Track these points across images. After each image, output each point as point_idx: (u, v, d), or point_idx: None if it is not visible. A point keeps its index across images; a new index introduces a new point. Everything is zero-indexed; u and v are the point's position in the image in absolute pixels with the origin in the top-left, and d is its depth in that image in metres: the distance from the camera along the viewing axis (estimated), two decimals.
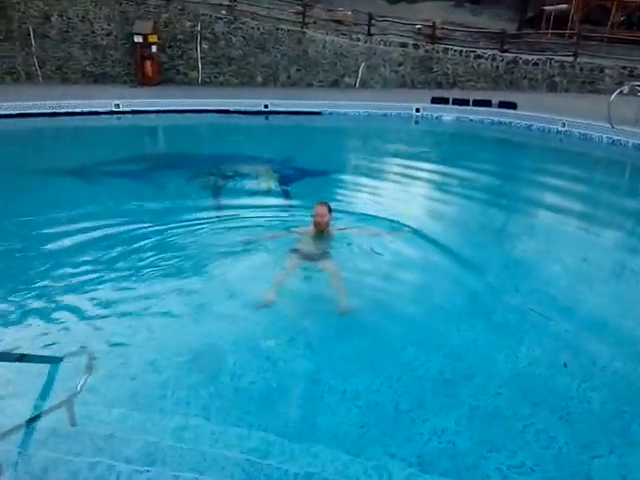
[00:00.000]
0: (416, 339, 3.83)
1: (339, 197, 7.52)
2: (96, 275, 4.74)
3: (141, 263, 4.94)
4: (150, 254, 5.13)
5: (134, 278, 4.71)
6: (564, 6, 28.78)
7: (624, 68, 18.26)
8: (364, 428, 3.00)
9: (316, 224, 5.19)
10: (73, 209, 6.36)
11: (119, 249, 5.22)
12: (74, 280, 4.64)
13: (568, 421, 3.09)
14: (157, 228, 5.76)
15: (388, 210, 6.51)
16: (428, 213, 6.75)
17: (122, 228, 5.79)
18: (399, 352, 3.66)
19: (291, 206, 6.88)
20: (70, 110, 12.89)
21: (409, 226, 5.89)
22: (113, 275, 4.74)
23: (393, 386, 3.30)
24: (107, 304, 4.27)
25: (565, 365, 3.53)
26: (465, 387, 3.32)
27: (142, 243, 5.36)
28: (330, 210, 5.23)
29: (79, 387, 3.25)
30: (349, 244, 5.31)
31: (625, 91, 10.79)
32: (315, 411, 3.14)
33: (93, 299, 4.35)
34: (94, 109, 13.13)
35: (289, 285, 4.57)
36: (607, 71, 18.35)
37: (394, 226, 5.82)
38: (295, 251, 5.07)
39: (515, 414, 3.13)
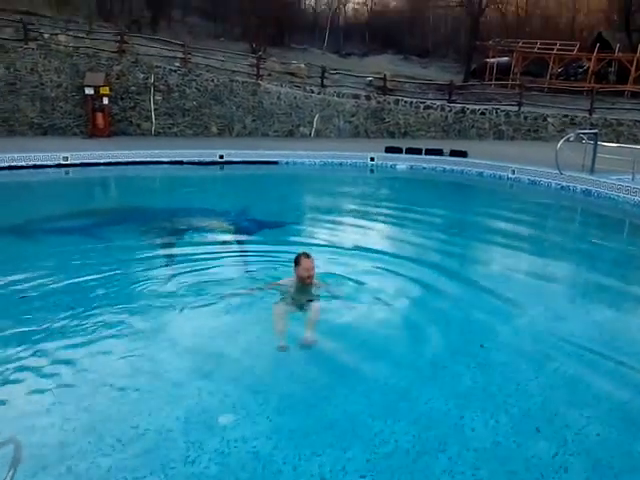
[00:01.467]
0: (384, 407, 3.57)
1: (297, 248, 7.32)
2: (32, 344, 4.30)
3: (81, 329, 4.53)
4: (93, 318, 4.74)
5: (74, 346, 4.29)
6: (505, 59, 30.53)
7: (565, 116, 19.26)
8: None
9: (302, 279, 4.84)
10: (12, 270, 5.90)
11: (59, 315, 4.79)
12: (7, 350, 4.18)
13: None
14: (103, 290, 5.38)
15: (345, 258, 6.38)
16: (387, 264, 6.61)
17: (64, 289, 5.39)
18: (367, 423, 3.38)
19: (247, 259, 6.63)
20: (14, 164, 12.37)
21: (371, 274, 5.76)
22: (50, 344, 4.30)
23: (360, 465, 3.01)
24: (41, 379, 3.83)
25: (538, 430, 3.33)
26: (438, 460, 3.06)
27: (84, 307, 4.96)
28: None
29: None
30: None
31: (571, 139, 11.25)
32: None
33: (25, 373, 3.90)
34: (41, 162, 12.65)
35: (246, 352, 4.26)
36: (550, 119, 19.28)
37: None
38: (281, 301, 4.85)
39: None
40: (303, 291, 4.91)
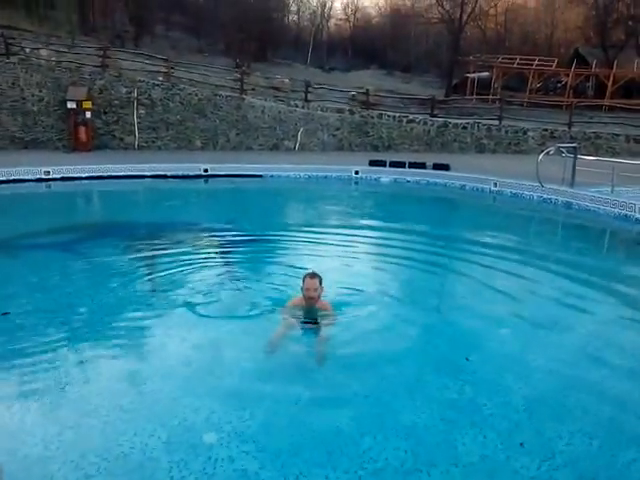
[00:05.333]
0: (372, 423, 3.54)
1: (282, 261, 7.32)
2: (13, 362, 4.21)
3: (63, 347, 4.45)
4: (75, 336, 4.66)
5: (56, 365, 4.21)
6: (485, 74, 31.07)
7: (545, 130, 19.60)
8: None
9: (308, 299, 4.72)
10: None
11: (40, 332, 4.70)
12: None
13: None
14: (84, 307, 5.29)
15: (331, 272, 6.34)
16: (372, 278, 6.62)
17: (45, 306, 5.30)
18: (355, 439, 3.35)
19: (232, 273, 6.57)
20: None
21: (356, 289, 5.75)
22: (32, 362, 4.21)
23: None
24: (23, 398, 3.74)
25: (522, 445, 3.32)
26: (430, 477, 3.04)
27: (66, 324, 4.88)
28: (320, 281, 4.77)
29: None
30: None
31: (551, 152, 11.43)
32: None
33: (6, 391, 3.81)
34: (21, 176, 12.48)
35: (237, 363, 4.21)
36: (530, 133, 19.61)
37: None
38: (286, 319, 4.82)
39: None
40: (308, 311, 4.81)
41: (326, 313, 4.89)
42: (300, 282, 4.83)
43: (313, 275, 4.78)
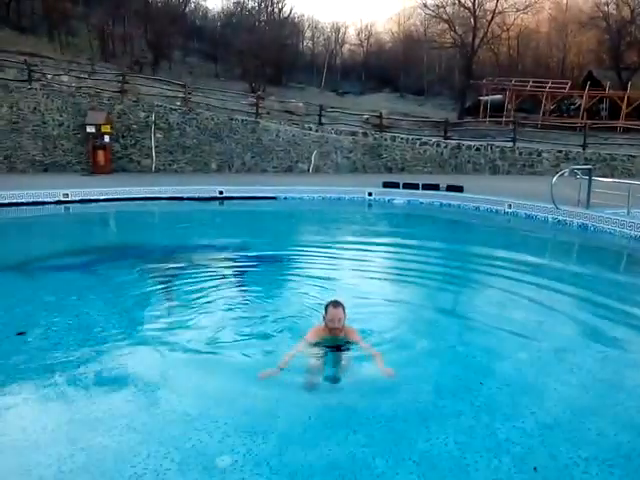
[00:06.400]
0: (385, 447, 3.51)
1: (297, 284, 7.34)
2: (29, 382, 4.26)
3: (79, 368, 4.49)
4: (91, 357, 4.71)
5: (71, 385, 4.25)
6: (499, 96, 31.22)
7: (560, 152, 19.58)
8: None
9: (332, 330, 4.48)
10: (10, 307, 5.89)
11: (57, 353, 4.76)
12: (3, 388, 4.14)
13: None
14: (101, 328, 5.35)
15: (346, 295, 6.34)
16: (387, 300, 6.60)
17: (63, 327, 5.37)
18: (368, 463, 3.32)
19: (246, 295, 6.61)
20: (15, 200, 12.47)
21: (370, 310, 5.74)
22: (47, 382, 4.26)
23: None
24: (37, 417, 3.78)
25: (535, 469, 3.27)
26: None
27: (83, 345, 4.93)
28: (344, 310, 4.53)
29: None
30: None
31: (566, 174, 11.40)
32: None
33: (20, 411, 3.85)
34: (41, 199, 12.75)
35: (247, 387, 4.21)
36: (544, 155, 19.59)
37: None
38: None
39: None
40: (332, 340, 4.58)
41: (353, 341, 4.64)
42: (320, 308, 4.79)
43: (337, 304, 4.51)
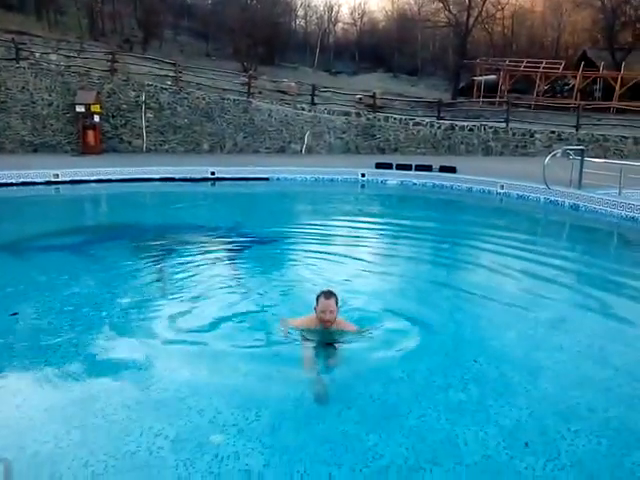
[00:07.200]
0: (376, 422, 3.56)
1: (289, 264, 7.35)
2: (22, 362, 4.26)
3: (72, 347, 4.50)
4: (83, 336, 4.71)
5: (64, 364, 4.26)
6: (493, 77, 31.04)
7: (552, 132, 19.56)
8: None
9: (324, 322, 4.28)
10: (2, 288, 5.86)
11: (49, 333, 4.75)
12: None
13: None
14: (93, 308, 5.35)
15: (339, 276, 6.38)
16: (379, 280, 6.63)
17: (54, 307, 5.36)
18: (360, 437, 3.36)
19: (239, 276, 6.62)
20: (4, 181, 12.34)
21: (362, 290, 5.77)
22: (40, 362, 4.26)
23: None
24: (31, 397, 3.79)
25: (526, 445, 3.32)
26: (432, 474, 3.05)
27: (75, 324, 4.93)
28: (337, 301, 4.31)
29: None
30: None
31: (558, 154, 11.41)
32: None
33: (14, 390, 3.86)
34: (31, 179, 12.62)
35: (241, 365, 4.24)
36: (537, 135, 19.57)
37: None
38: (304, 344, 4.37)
39: None
40: (324, 333, 4.37)
41: (348, 330, 4.47)
42: (313, 288, 4.76)
43: (329, 294, 4.28)
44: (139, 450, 3.24)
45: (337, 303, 4.30)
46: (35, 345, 4.54)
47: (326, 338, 4.39)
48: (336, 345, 4.38)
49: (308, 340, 4.44)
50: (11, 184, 12.36)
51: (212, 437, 3.36)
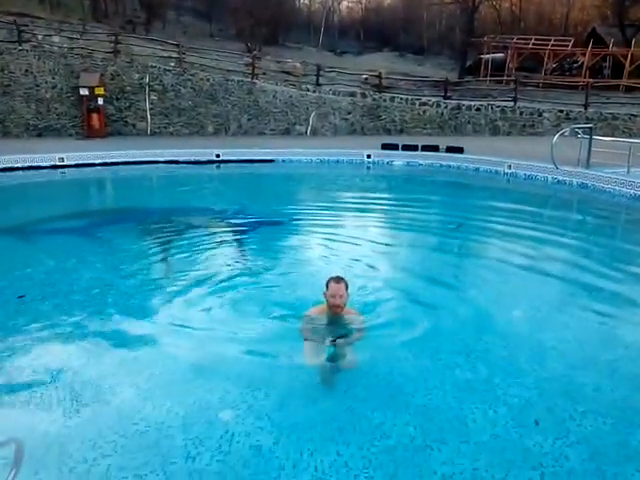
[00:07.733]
0: (384, 400, 3.57)
1: (295, 246, 7.35)
2: (30, 344, 4.30)
3: (80, 328, 4.53)
4: (91, 318, 4.74)
5: (73, 345, 4.30)
6: (500, 55, 30.53)
7: (561, 111, 19.28)
8: None
9: (333, 307, 4.19)
10: (9, 271, 5.90)
11: (56, 315, 4.79)
12: (5, 351, 4.18)
13: None
14: (100, 290, 5.37)
15: (345, 257, 6.38)
16: (386, 260, 6.62)
17: (61, 289, 5.39)
18: (367, 416, 3.38)
19: (245, 258, 6.62)
20: (10, 165, 12.34)
21: (370, 271, 5.76)
22: (49, 344, 4.31)
23: (361, 459, 3.01)
24: (41, 378, 3.83)
25: (537, 423, 3.33)
26: (441, 453, 3.07)
27: (82, 306, 4.96)
28: (347, 287, 4.24)
29: None
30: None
31: (566, 133, 11.27)
32: None
33: (24, 372, 3.90)
34: (36, 163, 12.61)
35: (248, 344, 4.25)
36: (545, 114, 19.31)
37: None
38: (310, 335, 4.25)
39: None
40: (333, 321, 4.29)
41: (354, 320, 4.38)
42: (320, 271, 4.76)
43: (339, 279, 4.24)
44: (148, 429, 3.27)
45: (347, 288, 4.26)
46: (42, 327, 4.58)
47: (334, 326, 4.27)
48: (341, 341, 4.16)
49: (315, 335, 4.26)
50: (17, 168, 12.37)
51: (221, 414, 3.40)
